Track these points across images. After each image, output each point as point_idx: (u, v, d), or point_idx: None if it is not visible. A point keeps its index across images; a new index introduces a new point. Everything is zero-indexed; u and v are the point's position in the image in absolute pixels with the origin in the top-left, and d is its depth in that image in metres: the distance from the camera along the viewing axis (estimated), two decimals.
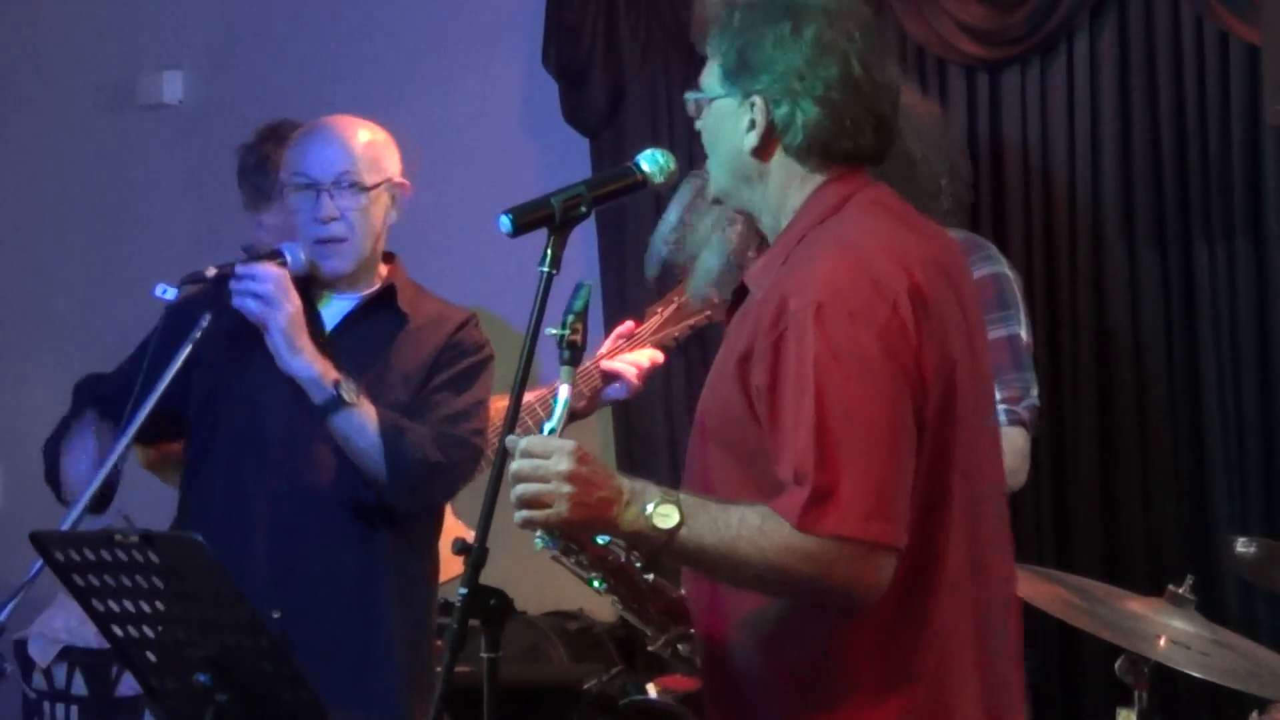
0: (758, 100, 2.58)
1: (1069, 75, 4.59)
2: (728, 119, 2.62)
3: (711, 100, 2.63)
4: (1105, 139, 4.54)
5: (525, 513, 2.46)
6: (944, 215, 3.70)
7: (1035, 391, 3.68)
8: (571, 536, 2.54)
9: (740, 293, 2.67)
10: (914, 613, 2.50)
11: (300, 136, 3.62)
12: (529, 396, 4.01)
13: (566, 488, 2.44)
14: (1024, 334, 3.70)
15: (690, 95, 2.67)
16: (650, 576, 2.64)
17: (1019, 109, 4.66)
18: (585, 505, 2.44)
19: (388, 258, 3.68)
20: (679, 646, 2.66)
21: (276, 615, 3.44)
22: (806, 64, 2.56)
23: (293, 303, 3.46)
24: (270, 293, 3.45)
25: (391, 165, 3.60)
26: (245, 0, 6.09)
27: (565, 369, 2.52)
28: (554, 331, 2.53)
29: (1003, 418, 3.59)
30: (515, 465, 2.46)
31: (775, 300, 2.50)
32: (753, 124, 2.59)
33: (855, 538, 2.40)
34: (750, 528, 2.42)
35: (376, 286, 3.62)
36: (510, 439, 2.49)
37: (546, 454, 2.45)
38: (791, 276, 2.51)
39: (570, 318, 2.53)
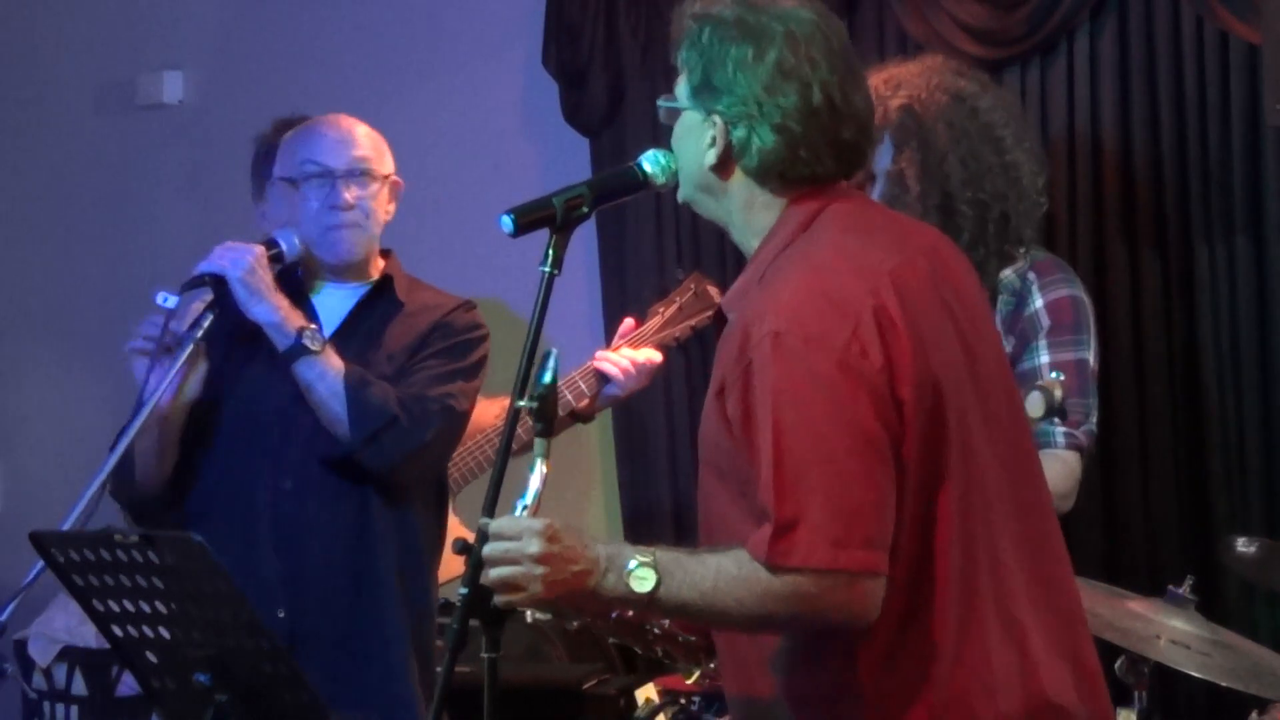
0: (717, 120, 2.59)
1: (1069, 75, 4.59)
2: (692, 132, 2.63)
3: (680, 111, 2.64)
4: (1105, 139, 4.54)
5: (501, 597, 2.47)
6: (1035, 230, 3.70)
7: (1094, 418, 3.67)
8: (558, 609, 2.55)
9: (723, 319, 2.67)
10: (916, 626, 2.49)
11: (303, 131, 3.64)
12: None
13: (539, 569, 2.45)
14: (1092, 360, 3.69)
15: (663, 102, 2.68)
16: (666, 622, 2.64)
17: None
18: (560, 583, 2.45)
19: (384, 253, 3.70)
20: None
21: (281, 615, 3.44)
22: (765, 90, 2.55)
23: (252, 252, 3.47)
24: (226, 247, 3.48)
25: (390, 161, 3.65)
26: (245, 0, 6.09)
27: (539, 441, 2.52)
28: (524, 404, 2.52)
29: (1060, 440, 3.58)
30: (486, 549, 2.47)
31: (741, 329, 2.49)
32: (714, 141, 2.60)
33: (827, 568, 2.39)
34: (727, 577, 2.43)
35: (373, 278, 3.65)
36: (482, 521, 2.50)
37: (517, 535, 2.46)
38: (756, 303, 2.51)
39: (540, 389, 2.52)
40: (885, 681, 2.49)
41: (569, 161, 5.32)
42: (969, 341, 2.57)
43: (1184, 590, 3.42)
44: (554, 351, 2.55)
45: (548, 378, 2.51)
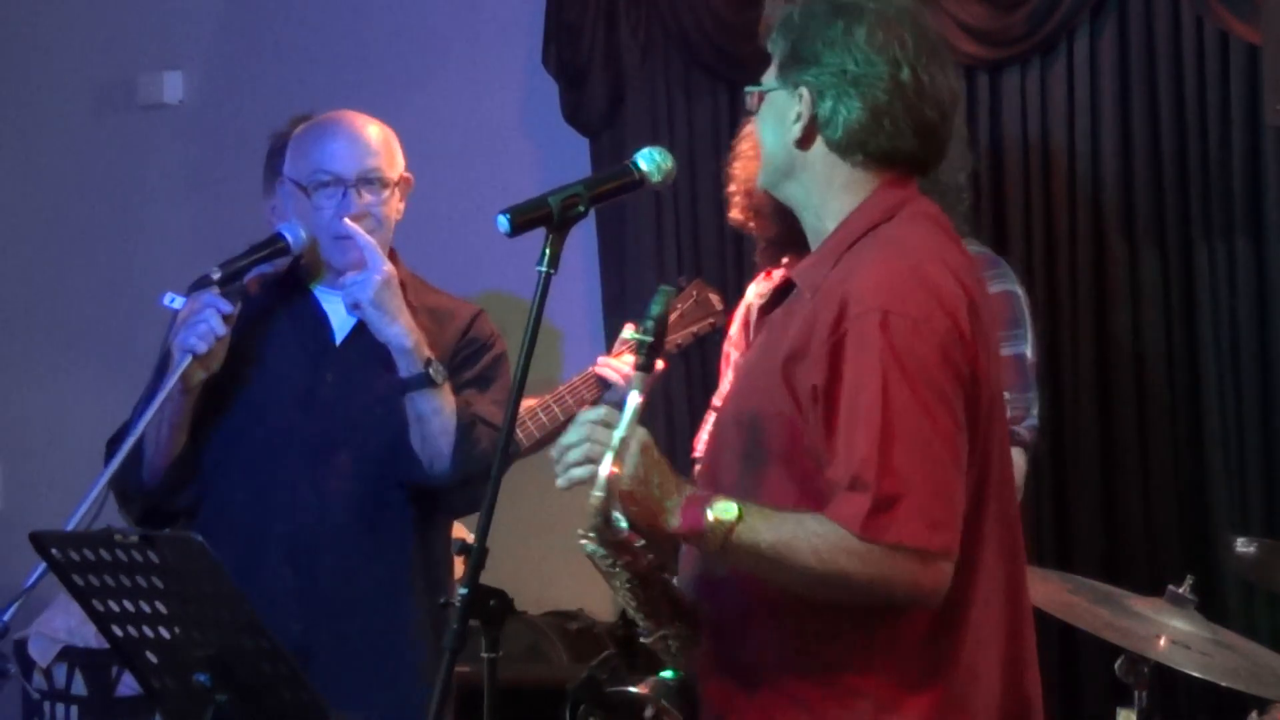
0: (805, 92, 2.62)
1: (1069, 75, 4.60)
2: (777, 110, 2.66)
3: (766, 93, 2.67)
4: (1105, 139, 4.54)
5: (586, 469, 2.45)
6: (962, 222, 3.70)
7: (1036, 411, 3.68)
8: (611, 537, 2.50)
9: (782, 291, 2.69)
10: (954, 622, 2.53)
11: (313, 133, 3.58)
12: (532, 402, 4.02)
13: (638, 458, 2.46)
14: (1029, 353, 3.70)
15: (750, 88, 2.71)
16: (667, 576, 2.62)
17: (1019, 109, 4.66)
18: (648, 483, 2.46)
19: (390, 254, 3.66)
20: (670, 643, 2.64)
21: (296, 628, 3.40)
22: (854, 62, 2.60)
23: (385, 270, 3.42)
24: (363, 253, 3.42)
25: (400, 159, 3.61)
26: (245, 0, 6.09)
27: (637, 375, 2.47)
28: (632, 336, 2.50)
29: None
30: (590, 421, 2.47)
31: (835, 304, 2.51)
32: (799, 115, 2.62)
33: (920, 547, 2.43)
34: (807, 530, 2.44)
35: None
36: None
37: (625, 430, 2.44)
38: (851, 280, 2.53)
39: (650, 323, 2.48)
40: (904, 673, 2.52)
41: (569, 161, 5.32)
42: (991, 350, 2.64)
43: (1184, 590, 3.42)
44: (668, 288, 2.52)
45: (657, 310, 2.48)
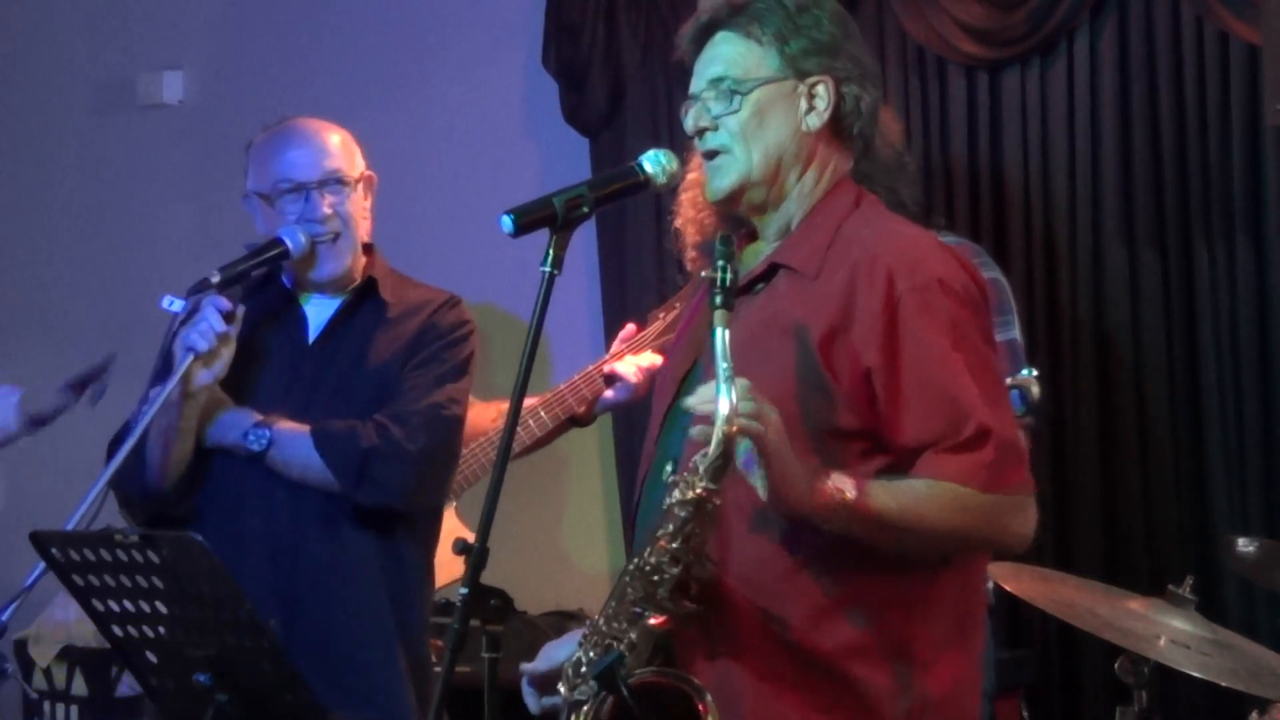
0: (827, 80, 2.63)
1: (1069, 75, 4.60)
2: (781, 102, 2.65)
3: (759, 84, 2.65)
4: (1105, 139, 4.55)
5: (751, 423, 2.40)
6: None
7: (1036, 390, 3.68)
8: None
9: (758, 276, 2.68)
10: (972, 579, 2.64)
11: (270, 144, 3.59)
12: (532, 400, 4.02)
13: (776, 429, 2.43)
14: (1019, 336, 3.72)
15: (726, 85, 2.66)
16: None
17: (1019, 109, 4.66)
18: (788, 449, 2.44)
19: (366, 249, 3.67)
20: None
21: (273, 623, 3.41)
22: (858, 47, 2.66)
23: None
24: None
25: (360, 159, 3.62)
26: (245, 0, 6.09)
27: (719, 314, 2.43)
28: (707, 274, 2.47)
29: None
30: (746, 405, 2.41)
31: (877, 281, 2.54)
32: (818, 103, 2.64)
33: (1030, 493, 2.54)
34: (923, 494, 2.48)
35: (357, 281, 3.62)
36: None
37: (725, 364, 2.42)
38: (886, 256, 2.56)
39: (720, 262, 2.45)
40: (950, 636, 2.60)
41: (569, 161, 5.32)
42: None
43: (1184, 590, 3.41)
44: (725, 233, 2.51)
45: (723, 248, 2.45)
